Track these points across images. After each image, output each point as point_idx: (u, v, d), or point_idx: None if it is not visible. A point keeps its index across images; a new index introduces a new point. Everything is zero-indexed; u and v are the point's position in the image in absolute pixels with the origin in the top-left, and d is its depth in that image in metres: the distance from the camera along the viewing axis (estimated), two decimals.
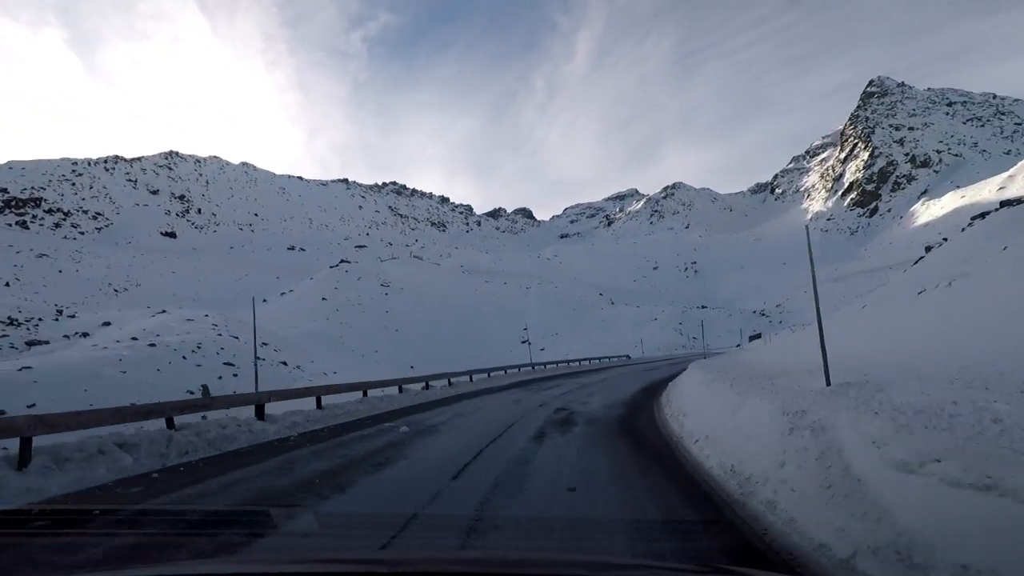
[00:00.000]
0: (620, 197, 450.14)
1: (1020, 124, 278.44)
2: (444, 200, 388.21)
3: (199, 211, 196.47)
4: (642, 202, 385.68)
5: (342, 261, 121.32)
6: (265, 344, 52.19)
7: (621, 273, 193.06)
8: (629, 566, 2.00)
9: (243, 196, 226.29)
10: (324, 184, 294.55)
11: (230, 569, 2.13)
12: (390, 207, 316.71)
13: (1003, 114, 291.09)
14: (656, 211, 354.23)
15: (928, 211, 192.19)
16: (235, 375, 41.86)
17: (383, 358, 77.06)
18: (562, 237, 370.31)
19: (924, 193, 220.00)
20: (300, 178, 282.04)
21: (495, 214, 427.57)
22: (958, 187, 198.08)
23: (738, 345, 70.46)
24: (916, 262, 26.72)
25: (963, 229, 21.90)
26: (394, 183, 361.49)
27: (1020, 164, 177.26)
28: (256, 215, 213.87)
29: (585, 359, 54.12)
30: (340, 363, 58.79)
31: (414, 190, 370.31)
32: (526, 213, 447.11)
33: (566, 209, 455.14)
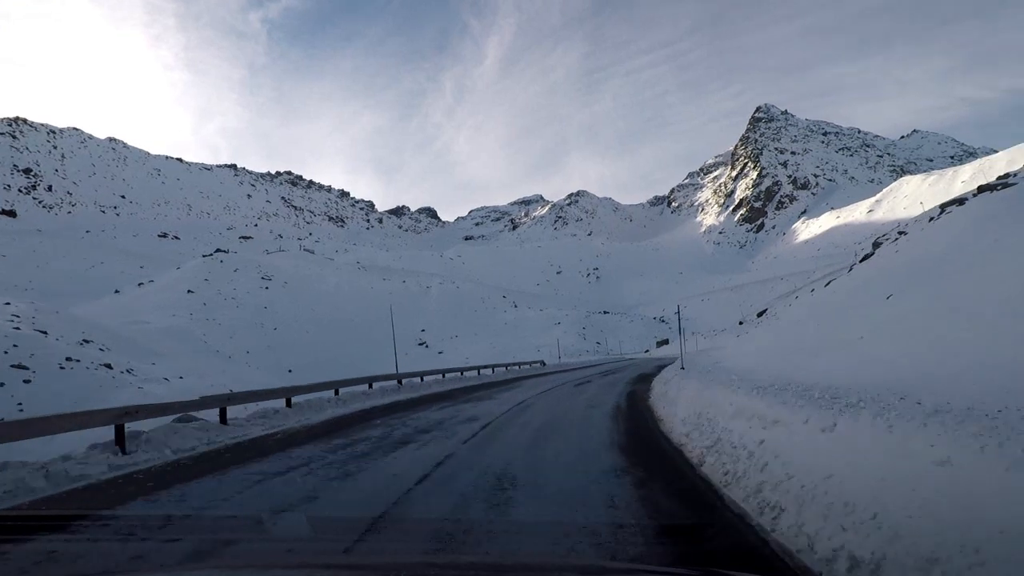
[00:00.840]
0: (526, 202, 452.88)
1: (881, 156, 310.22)
2: (344, 194, 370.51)
3: (50, 188, 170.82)
4: (547, 208, 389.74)
5: (217, 250, 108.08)
6: (88, 341, 41.92)
7: (525, 276, 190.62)
8: (622, 570, 2.05)
9: (108, 175, 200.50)
10: (208, 168, 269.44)
11: (219, 574, 2.17)
12: (283, 198, 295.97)
13: (867, 146, 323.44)
14: (560, 217, 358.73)
15: (808, 229, 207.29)
16: (27, 381, 31.95)
17: (256, 361, 67.09)
18: (467, 239, 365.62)
19: (804, 213, 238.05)
20: (180, 160, 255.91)
21: (398, 212, 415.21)
22: (832, 208, 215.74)
23: (647, 351, 68.03)
24: (863, 259, 23.53)
25: (931, 219, 18.91)
26: (289, 173, 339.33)
27: (884, 191, 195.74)
28: (123, 197, 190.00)
29: (488, 366, 34.13)
30: (198, 366, 49.01)
31: (311, 182, 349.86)
32: (431, 213, 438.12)
33: (471, 211, 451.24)
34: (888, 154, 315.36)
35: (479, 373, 30.09)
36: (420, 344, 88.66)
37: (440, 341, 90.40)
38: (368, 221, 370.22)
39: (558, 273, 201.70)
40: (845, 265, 67.05)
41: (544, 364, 40.80)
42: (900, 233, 20.88)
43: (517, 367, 36.31)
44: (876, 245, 23.26)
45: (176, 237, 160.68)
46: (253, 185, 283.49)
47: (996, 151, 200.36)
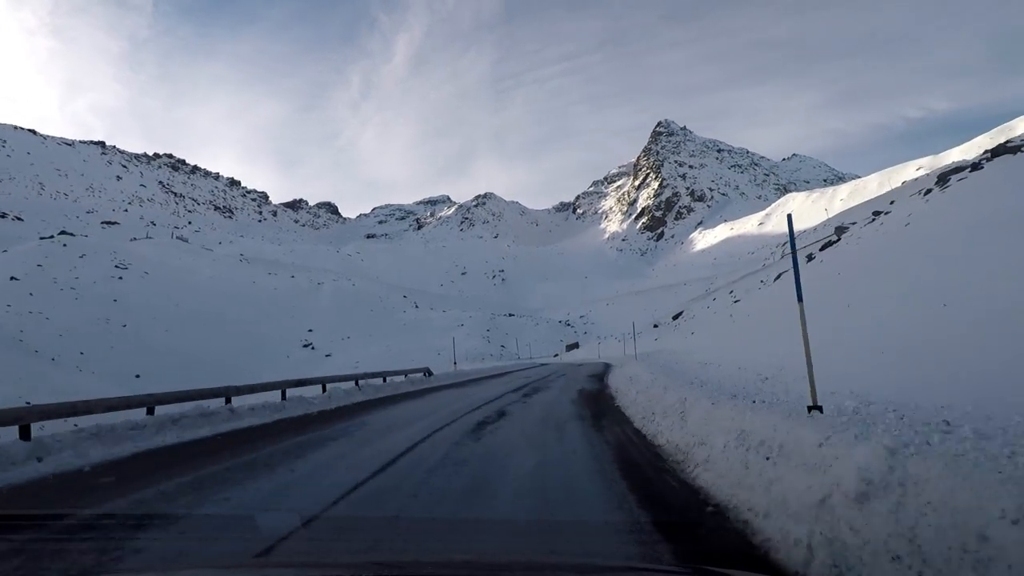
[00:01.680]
0: (432, 202, 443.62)
1: (767, 175, 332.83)
2: (234, 183, 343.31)
3: None
4: (453, 209, 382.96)
5: (62, 232, 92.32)
6: None
7: (429, 276, 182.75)
8: (617, 568, 2.03)
9: None
10: (69, 144, 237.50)
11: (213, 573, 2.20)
12: (161, 183, 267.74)
13: (756, 165, 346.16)
14: (467, 218, 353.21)
15: (704, 239, 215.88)
16: None
17: (92, 364, 55.81)
18: (369, 237, 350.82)
19: (700, 224, 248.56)
20: (33, 132, 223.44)
21: (295, 205, 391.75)
22: (726, 221, 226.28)
23: (556, 355, 63.52)
24: (824, 247, 19.57)
25: (927, 191, 15.16)
26: (170, 156, 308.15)
27: (772, 206, 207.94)
28: None
29: (347, 376, 18.40)
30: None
31: (196, 167, 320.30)
32: (331, 208, 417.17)
33: (375, 209, 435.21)
34: (773, 173, 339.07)
35: (285, 397, 13.03)
36: (306, 346, 79.45)
37: (329, 343, 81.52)
38: (261, 213, 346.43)
39: (463, 274, 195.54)
40: (757, 268, 65.57)
41: (429, 374, 20.29)
42: (876, 213, 17.32)
43: (381, 380, 19.72)
44: (840, 231, 20.10)
45: (18, 218, 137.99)
46: (125, 166, 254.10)
47: (859, 176, 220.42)
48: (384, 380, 19.09)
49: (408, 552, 3.14)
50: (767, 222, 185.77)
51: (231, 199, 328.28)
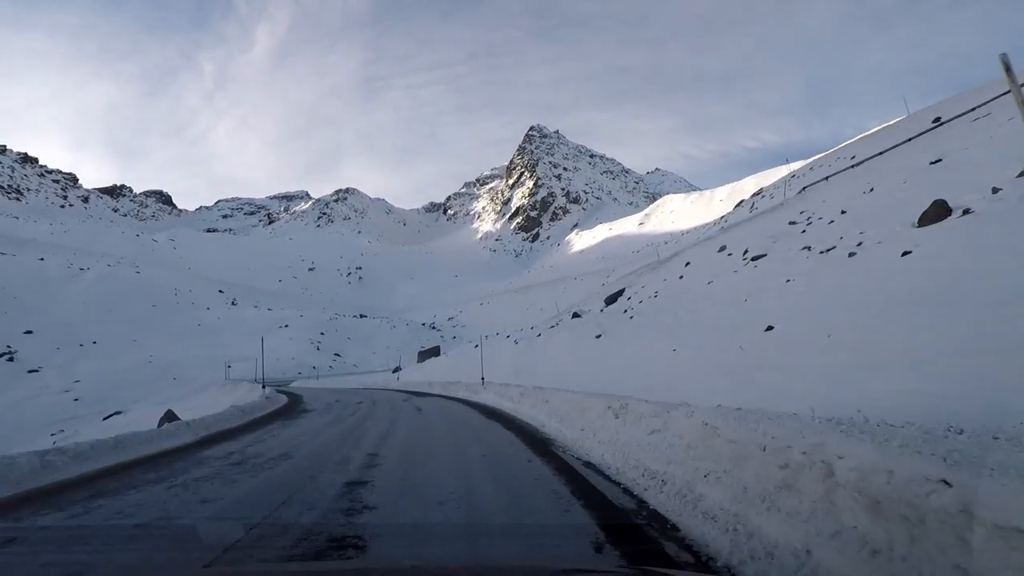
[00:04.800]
0: (288, 197, 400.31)
1: (638, 183, 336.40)
2: (28, 160, 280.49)
3: None
4: (310, 204, 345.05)
5: None
6: None
7: (267, 271, 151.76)
8: (562, 571, 2.12)
9: None
10: None
11: None
12: None
13: (626, 172, 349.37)
14: (325, 214, 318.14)
15: (582, 240, 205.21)
16: None
17: None
18: (209, 231, 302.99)
19: (576, 225, 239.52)
20: None
21: (115, 192, 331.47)
22: (603, 223, 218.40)
23: (396, 370, 41.42)
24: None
25: None
26: None
27: (651, 207, 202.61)
28: None
29: None
30: None
31: None
32: (162, 198, 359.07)
33: (219, 201, 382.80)
34: (641, 182, 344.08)
35: None
36: (2, 355, 49.93)
37: (53, 352, 52.61)
38: (66, 198, 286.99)
39: (310, 270, 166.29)
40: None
41: None
42: None
43: None
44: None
45: None
46: None
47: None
48: None
49: None
50: (647, 222, 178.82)
51: (22, 178, 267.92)
